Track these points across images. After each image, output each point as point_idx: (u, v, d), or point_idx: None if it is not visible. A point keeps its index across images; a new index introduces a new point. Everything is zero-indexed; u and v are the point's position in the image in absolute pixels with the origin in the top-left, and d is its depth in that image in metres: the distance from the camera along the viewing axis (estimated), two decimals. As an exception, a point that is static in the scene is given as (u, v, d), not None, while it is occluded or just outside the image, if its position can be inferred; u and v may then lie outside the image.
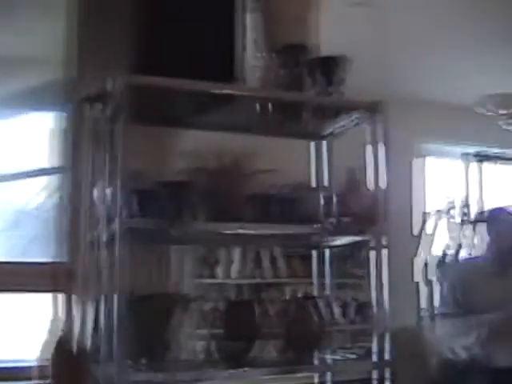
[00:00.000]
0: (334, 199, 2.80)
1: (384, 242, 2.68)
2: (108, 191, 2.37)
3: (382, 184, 2.72)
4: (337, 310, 5.00)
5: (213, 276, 5.28)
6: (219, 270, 5.28)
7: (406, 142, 5.47)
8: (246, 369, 2.46)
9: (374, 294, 2.75)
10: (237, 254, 5.25)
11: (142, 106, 2.30)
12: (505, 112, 4.32)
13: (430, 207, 5.90)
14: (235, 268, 5.29)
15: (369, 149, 2.78)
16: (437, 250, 5.82)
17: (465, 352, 3.69)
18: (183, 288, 4.75)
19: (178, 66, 2.39)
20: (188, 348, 2.58)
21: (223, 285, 5.28)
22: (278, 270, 5.06)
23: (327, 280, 3.25)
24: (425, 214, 5.76)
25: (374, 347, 2.74)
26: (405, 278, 5.46)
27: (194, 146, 2.66)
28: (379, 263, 2.72)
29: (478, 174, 6.41)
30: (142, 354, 2.32)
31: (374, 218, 2.75)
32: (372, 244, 2.75)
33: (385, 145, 2.70)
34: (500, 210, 3.97)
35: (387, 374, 2.69)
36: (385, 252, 2.69)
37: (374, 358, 2.74)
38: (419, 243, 5.66)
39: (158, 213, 2.34)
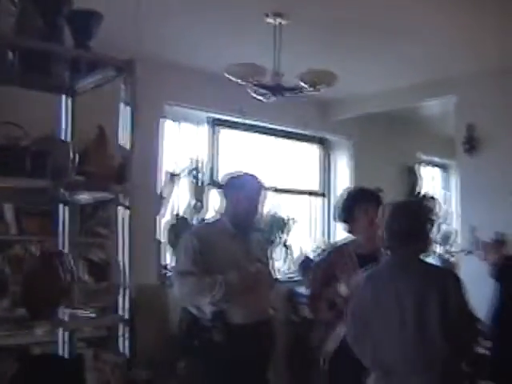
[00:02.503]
0: (78, 155, 2.79)
1: (126, 201, 2.71)
2: None
3: (128, 143, 2.74)
4: (81, 268, 4.97)
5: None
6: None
7: (154, 102, 5.53)
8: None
9: (116, 253, 2.79)
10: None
11: None
12: (253, 81, 4.48)
13: (175, 168, 6.00)
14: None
15: (118, 107, 2.80)
16: (178, 211, 5.95)
17: (204, 309, 3.86)
18: None
19: None
20: None
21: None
22: (21, 226, 4.89)
23: (71, 237, 3.24)
24: (170, 174, 5.84)
25: (114, 304, 2.79)
26: (148, 236, 5.55)
27: None
28: (121, 222, 2.76)
29: (218, 139, 6.64)
30: None
31: (118, 176, 2.78)
32: (115, 202, 2.78)
33: (131, 104, 2.71)
34: (238, 175, 4.17)
35: (125, 331, 2.74)
36: (127, 211, 2.72)
37: (114, 314, 2.80)
38: (163, 203, 5.74)
39: None
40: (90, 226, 5.04)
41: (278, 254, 7.04)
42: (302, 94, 4.61)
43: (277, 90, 4.49)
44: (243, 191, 3.99)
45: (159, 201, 5.75)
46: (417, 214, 3.23)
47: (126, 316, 2.70)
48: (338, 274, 3.97)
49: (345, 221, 4.17)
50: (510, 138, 5.70)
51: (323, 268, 4.12)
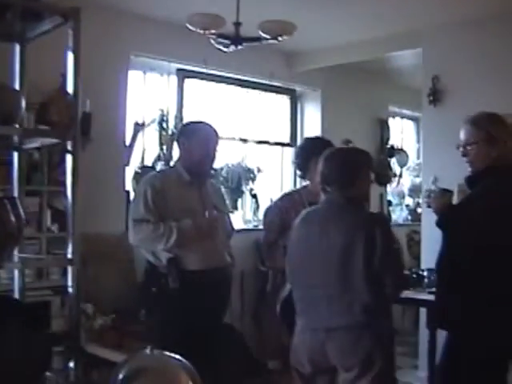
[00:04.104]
0: (24, 102, 2.83)
1: (71, 147, 2.76)
2: None
3: (72, 90, 2.79)
4: (47, 216, 5.02)
5: None
6: None
7: (120, 53, 5.53)
8: None
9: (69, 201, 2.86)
10: None
11: None
12: (213, 31, 4.48)
13: (142, 118, 6.01)
14: None
15: (68, 55, 2.83)
16: (144, 160, 6.00)
17: (160, 256, 3.94)
18: None
19: None
20: None
21: None
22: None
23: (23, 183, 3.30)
24: (137, 124, 5.84)
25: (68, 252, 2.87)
26: (117, 186, 5.59)
27: None
28: (73, 169, 2.82)
29: (184, 89, 6.60)
30: None
31: (70, 122, 2.83)
32: (63, 149, 2.83)
33: (76, 52, 2.74)
34: (191, 123, 4.22)
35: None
36: (75, 157, 2.78)
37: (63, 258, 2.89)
38: (131, 153, 5.76)
39: None
40: (56, 175, 5.07)
41: (246, 204, 7.12)
42: (262, 44, 4.61)
43: (236, 40, 4.49)
44: (196, 138, 4.03)
45: (127, 151, 5.77)
46: (348, 161, 3.31)
47: (70, 257, 2.77)
48: (292, 222, 4.05)
49: (299, 168, 4.26)
50: (474, 89, 5.73)
51: (277, 215, 4.20)
